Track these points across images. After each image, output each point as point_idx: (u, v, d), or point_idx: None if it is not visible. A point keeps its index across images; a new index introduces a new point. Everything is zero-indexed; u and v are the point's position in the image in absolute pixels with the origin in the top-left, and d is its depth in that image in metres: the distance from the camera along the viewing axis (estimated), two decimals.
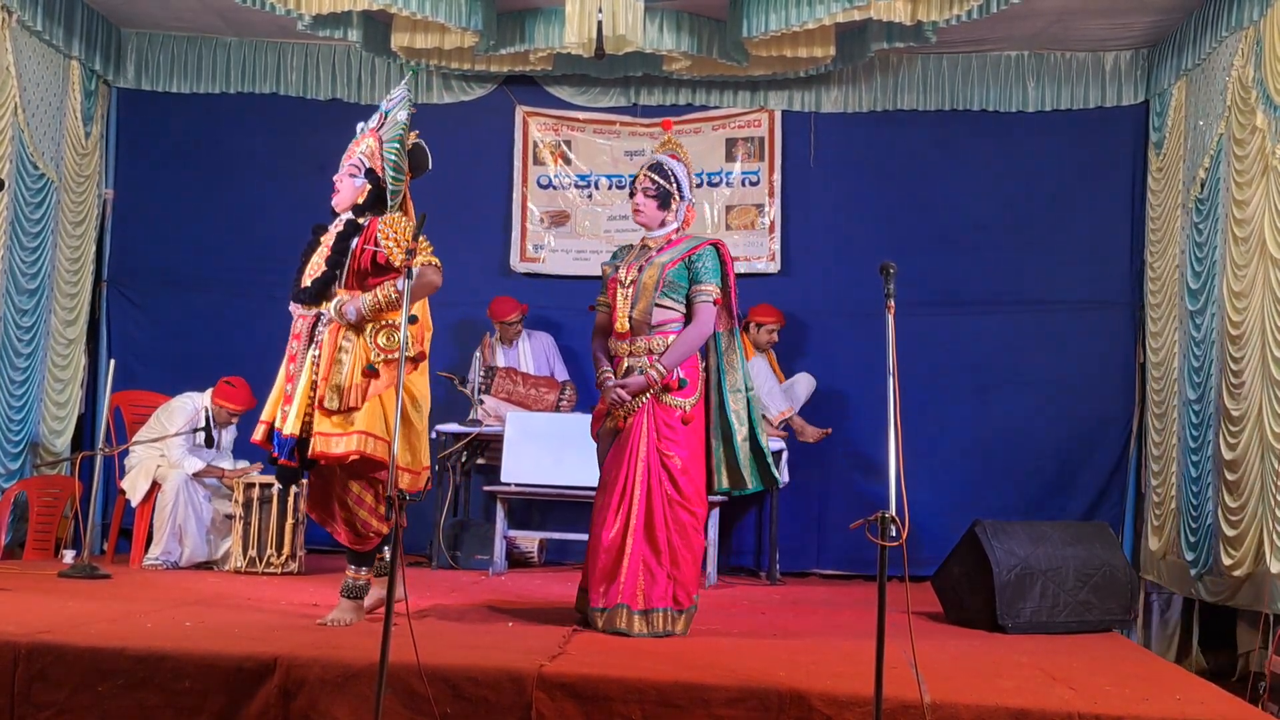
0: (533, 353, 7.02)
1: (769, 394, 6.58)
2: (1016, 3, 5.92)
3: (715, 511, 6.04)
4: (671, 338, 4.30)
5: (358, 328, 4.21)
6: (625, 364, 4.36)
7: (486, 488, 6.64)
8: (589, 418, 4.56)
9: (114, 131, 7.39)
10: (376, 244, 4.23)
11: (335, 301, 4.23)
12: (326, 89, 7.36)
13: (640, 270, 4.36)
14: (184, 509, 6.04)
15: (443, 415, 6.75)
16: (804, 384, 6.85)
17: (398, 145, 4.40)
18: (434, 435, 6.47)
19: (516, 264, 7.41)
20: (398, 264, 4.09)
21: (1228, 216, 5.57)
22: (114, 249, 7.38)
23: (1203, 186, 5.93)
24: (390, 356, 4.15)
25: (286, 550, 5.87)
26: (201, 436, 6.17)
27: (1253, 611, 5.25)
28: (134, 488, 6.21)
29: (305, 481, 4.56)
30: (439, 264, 4.26)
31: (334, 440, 4.10)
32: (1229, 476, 5.37)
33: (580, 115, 7.43)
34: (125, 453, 6.36)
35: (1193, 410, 5.94)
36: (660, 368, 4.23)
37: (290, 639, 3.80)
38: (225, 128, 7.38)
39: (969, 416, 6.95)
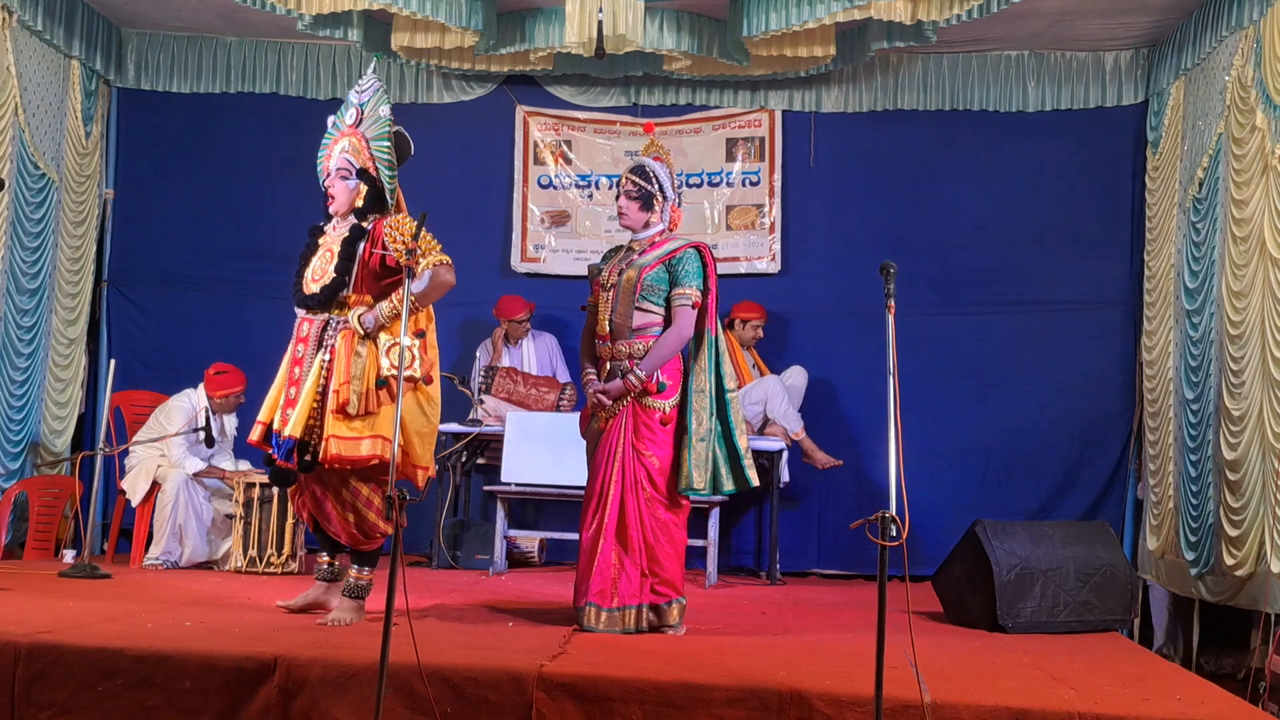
0: (536, 353, 7.03)
1: (784, 415, 6.56)
2: (1017, 2, 5.92)
3: (715, 511, 6.04)
4: (652, 342, 4.32)
5: (371, 336, 4.26)
6: (608, 366, 4.39)
7: (487, 487, 6.64)
8: None
9: (114, 131, 7.39)
10: (384, 247, 4.27)
11: (354, 313, 4.28)
12: (327, 89, 7.36)
13: (621, 273, 4.38)
14: (184, 509, 6.04)
15: (443, 415, 6.73)
16: (800, 379, 6.82)
17: (387, 143, 4.42)
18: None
19: (517, 264, 7.41)
20: (421, 262, 4.20)
21: (1227, 216, 5.57)
22: (114, 249, 7.38)
23: (1201, 186, 5.93)
24: (398, 374, 4.17)
25: (287, 550, 5.87)
26: (202, 436, 6.18)
27: (1259, 612, 5.25)
28: (134, 488, 6.21)
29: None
30: (450, 262, 4.30)
31: (354, 444, 4.15)
32: (1230, 476, 5.37)
33: (580, 115, 7.43)
34: (125, 453, 6.36)
35: (1191, 410, 5.94)
36: (639, 373, 4.26)
37: (291, 639, 3.80)
38: (225, 128, 7.38)
39: (969, 416, 6.96)
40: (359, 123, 4.42)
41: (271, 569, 5.85)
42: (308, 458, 4.21)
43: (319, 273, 4.34)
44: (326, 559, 4.53)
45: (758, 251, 7.29)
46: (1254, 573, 5.13)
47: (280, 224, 6.67)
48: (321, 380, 4.23)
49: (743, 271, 7.28)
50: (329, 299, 4.30)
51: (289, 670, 3.44)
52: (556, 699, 3.34)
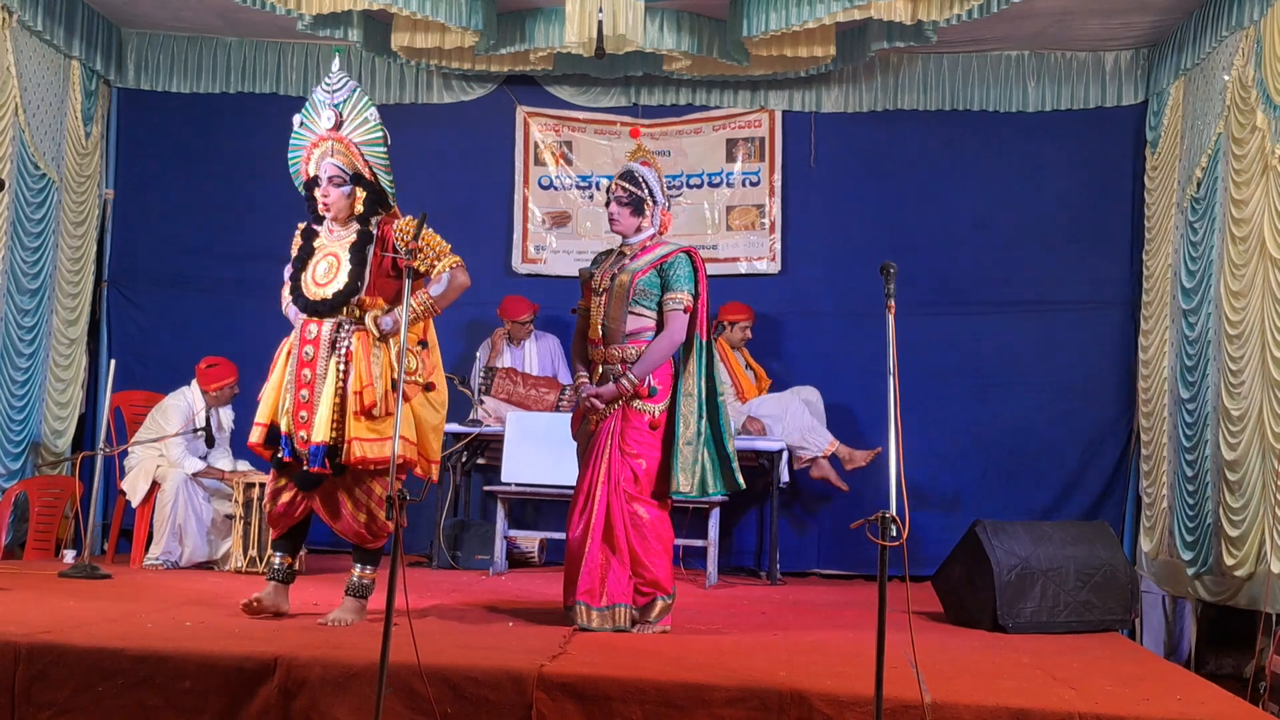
0: (538, 354, 7.03)
1: (810, 430, 6.54)
2: (1017, 2, 5.92)
3: (715, 512, 6.04)
4: (644, 346, 4.34)
5: (386, 339, 4.30)
6: (600, 369, 4.41)
7: (487, 488, 6.64)
8: None
9: (114, 131, 7.39)
10: (395, 250, 4.30)
11: (370, 315, 4.30)
12: None
13: (613, 278, 4.40)
14: (184, 509, 6.04)
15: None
16: (815, 395, 6.79)
17: (383, 148, 4.44)
18: None
19: (518, 265, 7.41)
20: (420, 269, 4.29)
21: (1226, 216, 5.57)
22: (114, 249, 7.38)
23: (1199, 186, 5.93)
24: (410, 379, 4.28)
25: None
26: (202, 436, 6.18)
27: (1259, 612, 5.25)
28: (134, 488, 6.21)
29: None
30: (463, 263, 4.38)
31: (378, 445, 4.17)
32: (1230, 476, 5.37)
33: (581, 115, 7.42)
34: (125, 453, 6.36)
35: (1186, 409, 5.95)
36: (631, 378, 4.28)
37: (291, 639, 3.80)
38: (225, 128, 7.38)
39: (969, 416, 6.96)
40: (338, 126, 4.39)
41: None
42: (339, 460, 4.20)
43: (325, 276, 4.33)
44: (284, 558, 4.46)
45: (758, 252, 7.29)
46: (1254, 573, 5.13)
47: (280, 224, 6.60)
48: (339, 383, 4.23)
49: (743, 272, 7.28)
50: (342, 303, 4.30)
51: (289, 670, 3.44)
52: (556, 699, 3.34)
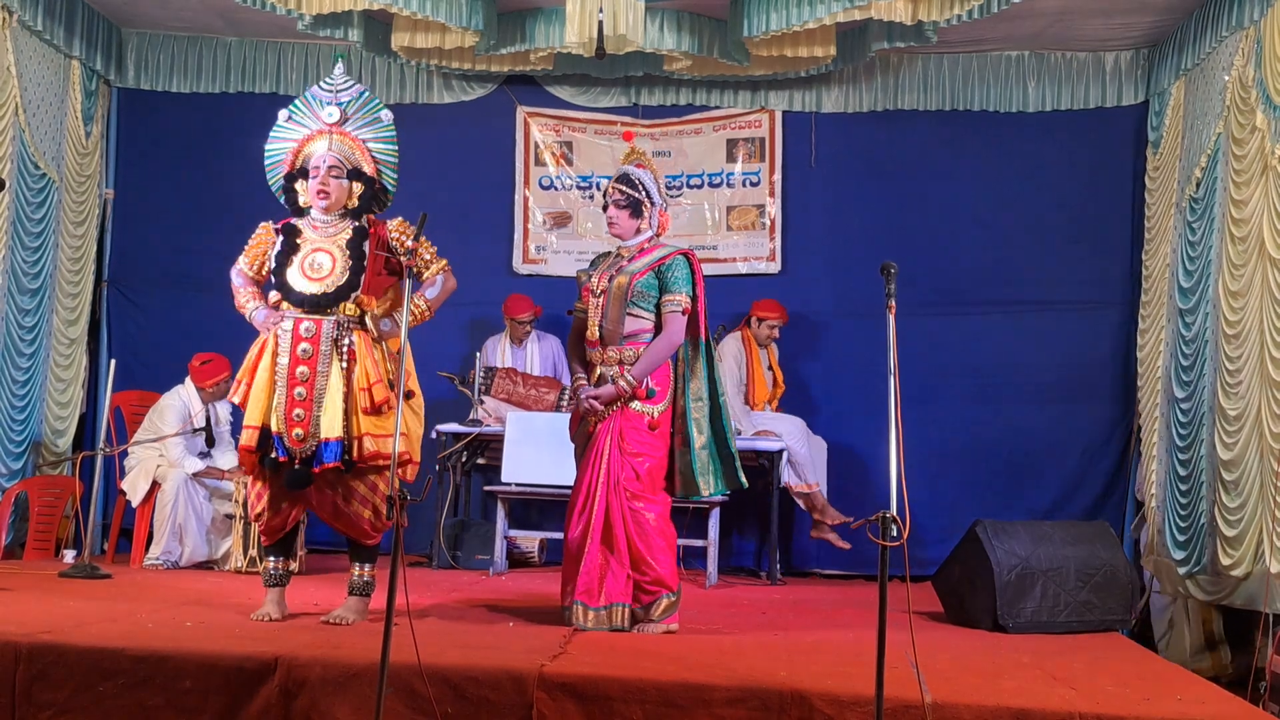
0: (540, 355, 7.03)
1: (803, 461, 6.54)
2: (1017, 2, 5.92)
3: (716, 511, 6.05)
4: (642, 348, 4.35)
5: (383, 340, 4.34)
6: (598, 371, 4.42)
7: (487, 488, 6.64)
8: None
9: (114, 131, 7.39)
10: (389, 249, 4.33)
11: (370, 315, 4.31)
12: None
13: (611, 279, 4.41)
14: (184, 509, 6.04)
15: (443, 415, 6.76)
16: (822, 447, 6.78)
17: (395, 148, 4.45)
18: (434, 435, 6.50)
19: (519, 265, 7.41)
20: (421, 270, 4.37)
21: (1225, 216, 5.57)
22: (114, 249, 7.38)
23: (1198, 186, 5.93)
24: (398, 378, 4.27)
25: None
26: (202, 435, 6.18)
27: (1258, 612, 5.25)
28: (134, 488, 6.21)
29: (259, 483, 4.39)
30: (448, 265, 4.45)
31: (386, 441, 4.18)
32: (1226, 476, 5.37)
33: (581, 115, 7.42)
34: (125, 453, 6.35)
35: (1181, 409, 5.95)
36: (630, 379, 4.29)
37: (291, 639, 3.80)
38: (225, 128, 7.36)
39: (970, 416, 6.96)
40: (343, 122, 4.40)
41: None
42: (349, 457, 4.19)
43: (318, 271, 4.29)
44: (281, 562, 4.44)
45: (758, 251, 7.29)
46: (1250, 572, 5.13)
47: None
48: (344, 381, 4.23)
49: (743, 272, 7.28)
50: (342, 299, 4.28)
51: (289, 670, 3.44)
52: (557, 699, 3.34)
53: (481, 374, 6.68)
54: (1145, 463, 6.43)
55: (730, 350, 6.74)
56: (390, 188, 4.49)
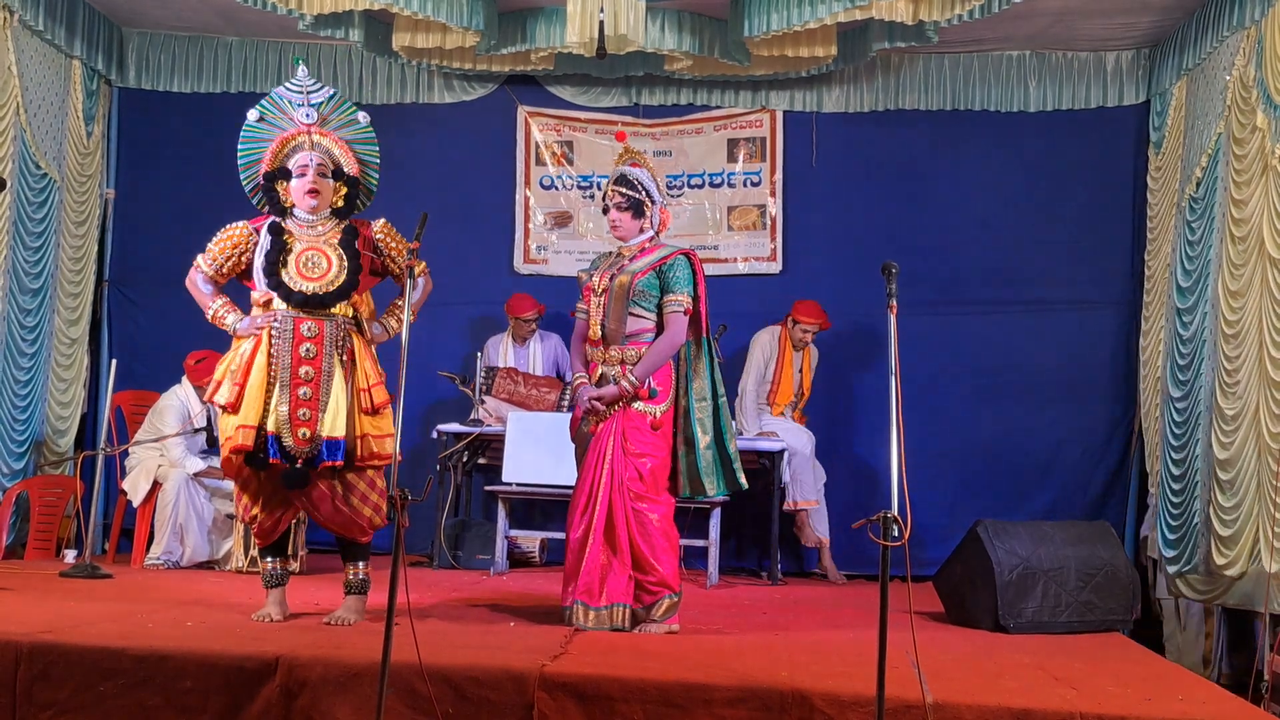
0: (543, 354, 7.03)
1: (803, 478, 6.54)
2: (1018, 2, 5.92)
3: (716, 511, 6.05)
4: (644, 348, 4.35)
5: (373, 343, 4.39)
6: (600, 371, 4.42)
7: (488, 488, 6.64)
8: None
9: (115, 131, 7.40)
10: (376, 250, 4.36)
11: (364, 319, 4.35)
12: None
13: (612, 279, 4.41)
14: (185, 509, 6.04)
15: (444, 415, 6.77)
16: (822, 477, 6.76)
17: (377, 148, 4.48)
18: (435, 435, 6.50)
19: (520, 265, 7.41)
20: (395, 270, 4.35)
21: (1225, 216, 5.57)
22: (115, 249, 7.38)
23: (1198, 186, 5.93)
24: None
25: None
26: (203, 436, 6.18)
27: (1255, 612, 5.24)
28: (135, 488, 6.21)
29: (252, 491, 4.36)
30: (426, 266, 4.47)
31: (383, 441, 4.23)
32: (1222, 475, 5.37)
33: (582, 115, 7.42)
34: (125, 453, 6.35)
35: (1176, 408, 5.95)
36: (632, 379, 4.29)
37: (292, 639, 3.80)
38: (226, 127, 7.27)
39: (970, 416, 6.96)
40: (322, 123, 4.40)
41: None
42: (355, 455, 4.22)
43: (314, 271, 4.26)
44: (279, 562, 4.44)
45: (759, 251, 7.29)
46: (1245, 572, 5.13)
47: None
48: (347, 381, 4.24)
49: (744, 272, 7.29)
50: (342, 299, 4.28)
51: (290, 670, 3.44)
52: (558, 699, 3.34)
53: (482, 374, 6.68)
54: (1149, 463, 6.42)
55: (761, 341, 6.74)
56: (373, 188, 4.51)
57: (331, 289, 4.25)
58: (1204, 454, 5.61)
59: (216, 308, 4.38)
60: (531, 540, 6.67)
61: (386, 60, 7.18)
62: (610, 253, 4.60)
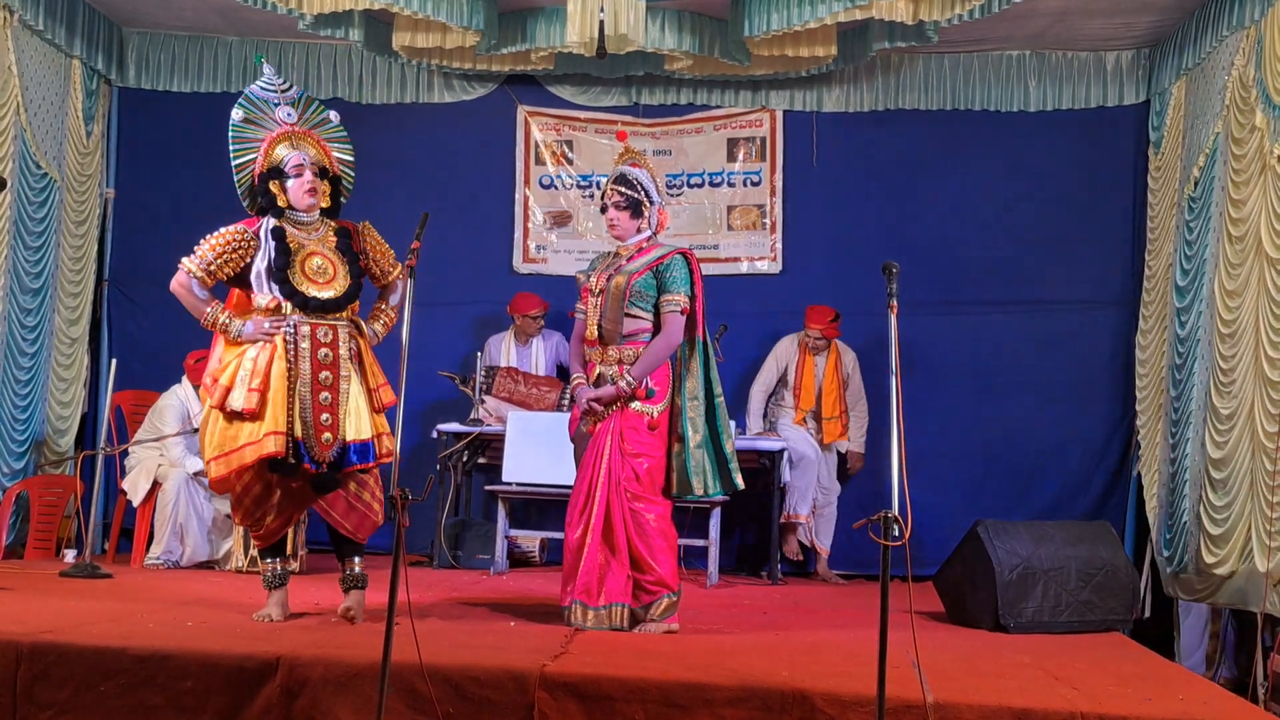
0: (545, 352, 7.02)
1: (800, 485, 6.55)
2: (1018, 2, 5.92)
3: (716, 511, 6.05)
4: (641, 348, 4.35)
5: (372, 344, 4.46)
6: (597, 370, 4.43)
7: (488, 487, 6.64)
8: None
9: (115, 131, 7.39)
10: (365, 254, 4.42)
11: (369, 324, 4.44)
12: (328, 88, 7.34)
13: (609, 279, 4.41)
14: (185, 508, 6.04)
15: (444, 415, 6.76)
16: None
17: (351, 147, 4.52)
18: (435, 435, 6.50)
19: (519, 264, 7.41)
20: (393, 271, 4.46)
21: (1222, 215, 5.57)
22: (115, 248, 7.38)
23: (1196, 185, 5.93)
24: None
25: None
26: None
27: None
28: (135, 487, 6.21)
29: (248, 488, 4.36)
30: (403, 270, 4.51)
31: (390, 440, 4.31)
32: (1214, 474, 5.37)
33: (582, 115, 7.42)
34: (125, 453, 6.35)
35: (1173, 407, 5.95)
36: (629, 379, 4.29)
37: (292, 639, 3.80)
38: (226, 128, 7.28)
39: (971, 416, 6.96)
40: (301, 122, 4.42)
41: None
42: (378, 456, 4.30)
43: (323, 277, 4.29)
44: (280, 562, 4.44)
45: (759, 251, 7.29)
46: (1236, 571, 5.13)
47: None
48: (361, 383, 4.32)
49: (744, 271, 7.29)
50: (348, 303, 4.33)
51: (291, 670, 3.44)
52: (559, 698, 3.34)
53: (482, 373, 6.68)
54: (1147, 463, 6.42)
55: (779, 348, 6.77)
56: (349, 187, 4.53)
57: (340, 295, 4.29)
58: (1195, 453, 5.62)
59: (214, 313, 4.29)
60: (531, 540, 6.67)
61: (386, 60, 7.18)
62: (608, 253, 4.61)
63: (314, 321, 4.25)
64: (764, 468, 6.35)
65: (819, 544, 6.67)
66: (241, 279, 4.34)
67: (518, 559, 6.58)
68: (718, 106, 7.34)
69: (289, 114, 4.39)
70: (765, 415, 6.78)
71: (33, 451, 6.57)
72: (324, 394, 4.22)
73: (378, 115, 7.31)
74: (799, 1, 6.04)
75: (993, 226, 7.08)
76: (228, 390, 4.18)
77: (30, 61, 6.34)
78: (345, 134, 4.52)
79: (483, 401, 6.62)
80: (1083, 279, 6.99)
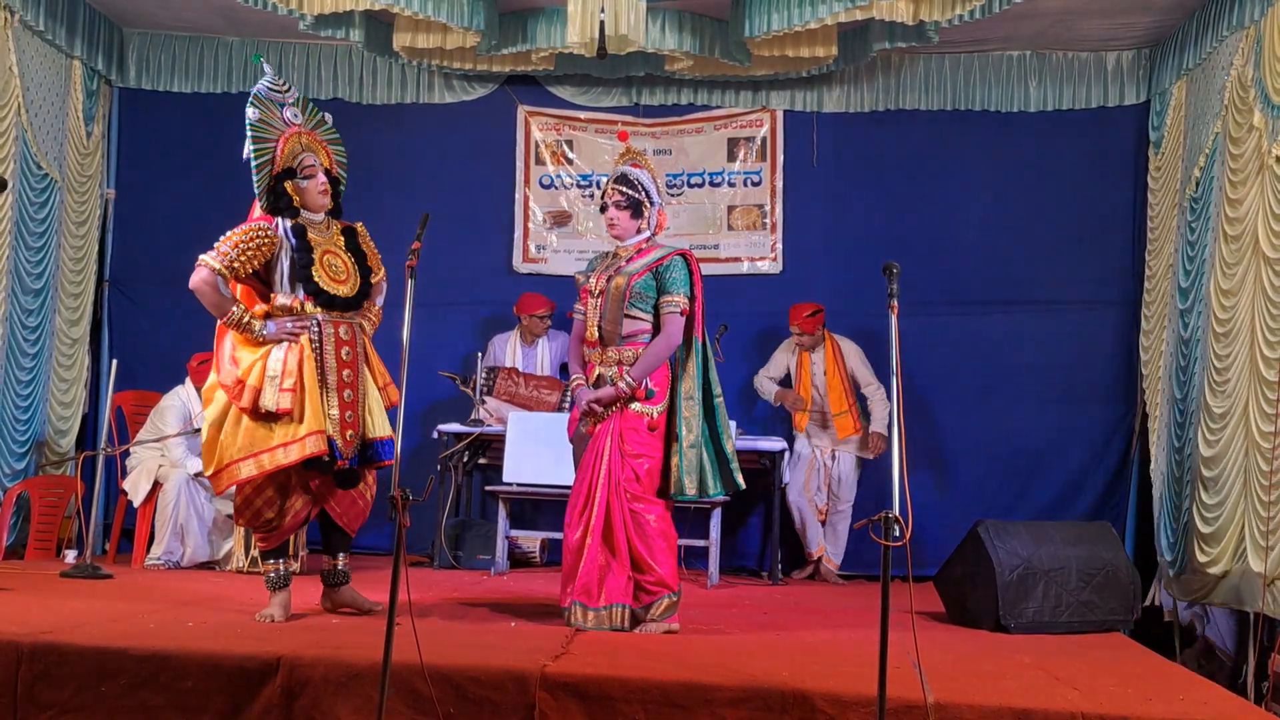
0: (550, 353, 7.01)
1: (800, 493, 6.58)
2: (1019, 3, 5.92)
3: (717, 511, 6.04)
4: (641, 349, 4.35)
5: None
6: (596, 371, 4.43)
7: (488, 488, 6.64)
8: None
9: (116, 131, 7.39)
10: (365, 254, 4.50)
11: (369, 321, 4.51)
12: (328, 89, 7.35)
13: (609, 280, 4.41)
14: (185, 509, 6.04)
15: (445, 415, 6.76)
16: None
17: (343, 147, 4.56)
18: (435, 435, 6.50)
19: (519, 264, 7.41)
20: (380, 272, 4.54)
21: (1220, 215, 5.58)
22: (115, 249, 7.38)
23: (1197, 185, 5.94)
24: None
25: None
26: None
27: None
28: (135, 488, 6.21)
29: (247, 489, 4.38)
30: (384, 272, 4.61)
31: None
32: (1206, 473, 5.38)
33: (582, 115, 7.43)
34: (126, 453, 6.35)
35: (1178, 409, 5.95)
36: (629, 380, 4.29)
37: (293, 639, 3.80)
38: (226, 128, 7.26)
39: (971, 417, 6.96)
40: (305, 122, 4.46)
41: None
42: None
43: (339, 275, 4.35)
44: (284, 563, 4.44)
45: (759, 251, 7.29)
46: (1229, 570, 5.12)
47: None
48: (373, 381, 4.42)
49: (744, 271, 7.29)
50: (363, 301, 4.41)
51: (292, 670, 3.44)
52: (559, 699, 3.35)
53: (483, 374, 6.68)
54: (1152, 464, 6.42)
55: (775, 354, 6.78)
56: (343, 189, 4.56)
57: (355, 293, 4.36)
58: (1192, 453, 5.62)
59: (239, 312, 4.26)
60: (532, 540, 6.67)
61: (387, 60, 7.18)
62: (607, 253, 4.60)
63: (337, 320, 4.33)
64: (765, 468, 6.35)
65: (827, 555, 6.62)
66: (255, 277, 4.36)
67: (518, 559, 6.58)
68: (718, 107, 7.35)
69: (294, 114, 4.42)
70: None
71: (33, 452, 6.57)
72: (347, 391, 4.30)
73: (378, 115, 7.32)
74: (799, 2, 6.04)
75: (993, 226, 7.08)
76: (258, 390, 4.16)
77: (31, 62, 6.34)
78: (338, 135, 4.57)
79: (483, 402, 6.62)
80: (1083, 279, 6.98)
